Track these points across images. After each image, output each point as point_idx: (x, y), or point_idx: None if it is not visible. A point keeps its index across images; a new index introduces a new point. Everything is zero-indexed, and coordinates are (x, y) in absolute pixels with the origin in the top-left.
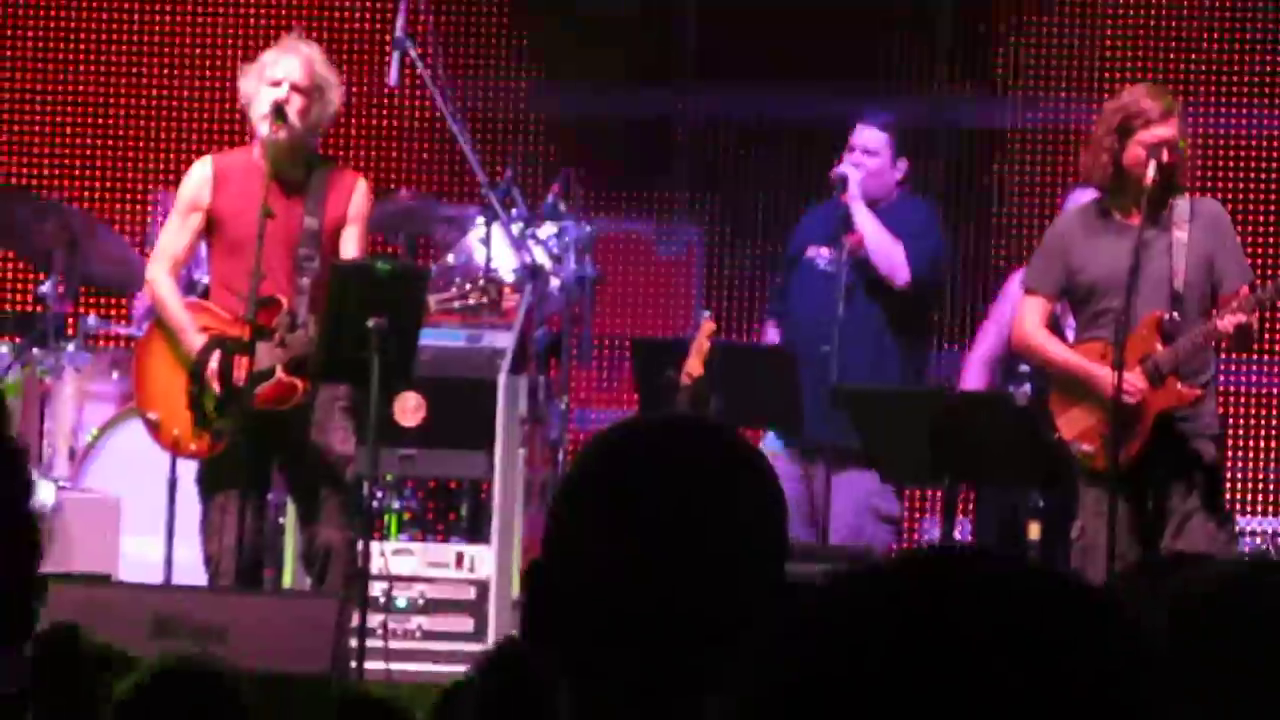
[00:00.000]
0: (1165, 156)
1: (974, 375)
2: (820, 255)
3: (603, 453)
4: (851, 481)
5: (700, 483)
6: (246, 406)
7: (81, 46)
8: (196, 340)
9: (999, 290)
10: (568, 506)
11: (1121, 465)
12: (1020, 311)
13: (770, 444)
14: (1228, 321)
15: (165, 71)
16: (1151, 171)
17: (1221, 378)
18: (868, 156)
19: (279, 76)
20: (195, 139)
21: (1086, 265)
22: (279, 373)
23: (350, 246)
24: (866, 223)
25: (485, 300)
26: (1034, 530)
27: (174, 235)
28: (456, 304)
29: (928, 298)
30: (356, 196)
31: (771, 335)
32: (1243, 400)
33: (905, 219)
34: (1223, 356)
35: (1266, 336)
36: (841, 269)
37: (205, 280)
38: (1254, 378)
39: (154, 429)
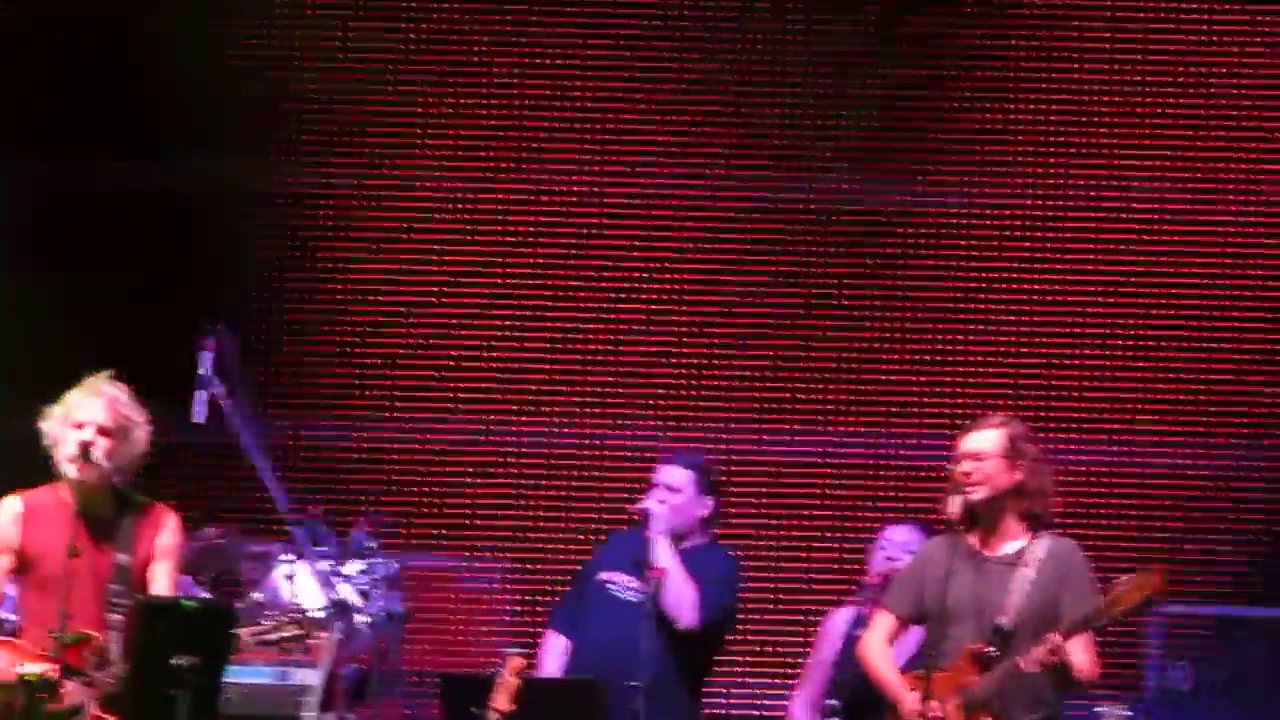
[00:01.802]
0: (962, 477)
1: (798, 716)
2: (616, 581)
3: None
4: None
5: None
6: None
7: None
8: (7, 668)
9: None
10: None
11: None
12: (872, 624)
13: None
14: (1030, 659)
15: None
16: (952, 505)
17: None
18: (670, 493)
19: (83, 419)
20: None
21: (930, 591)
22: (91, 709)
23: (160, 582)
24: (665, 559)
25: (300, 631)
26: None
27: None
28: (271, 635)
29: (712, 642)
30: (166, 532)
31: (555, 645)
32: None
33: (707, 565)
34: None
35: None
36: (647, 601)
37: (12, 619)
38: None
39: None
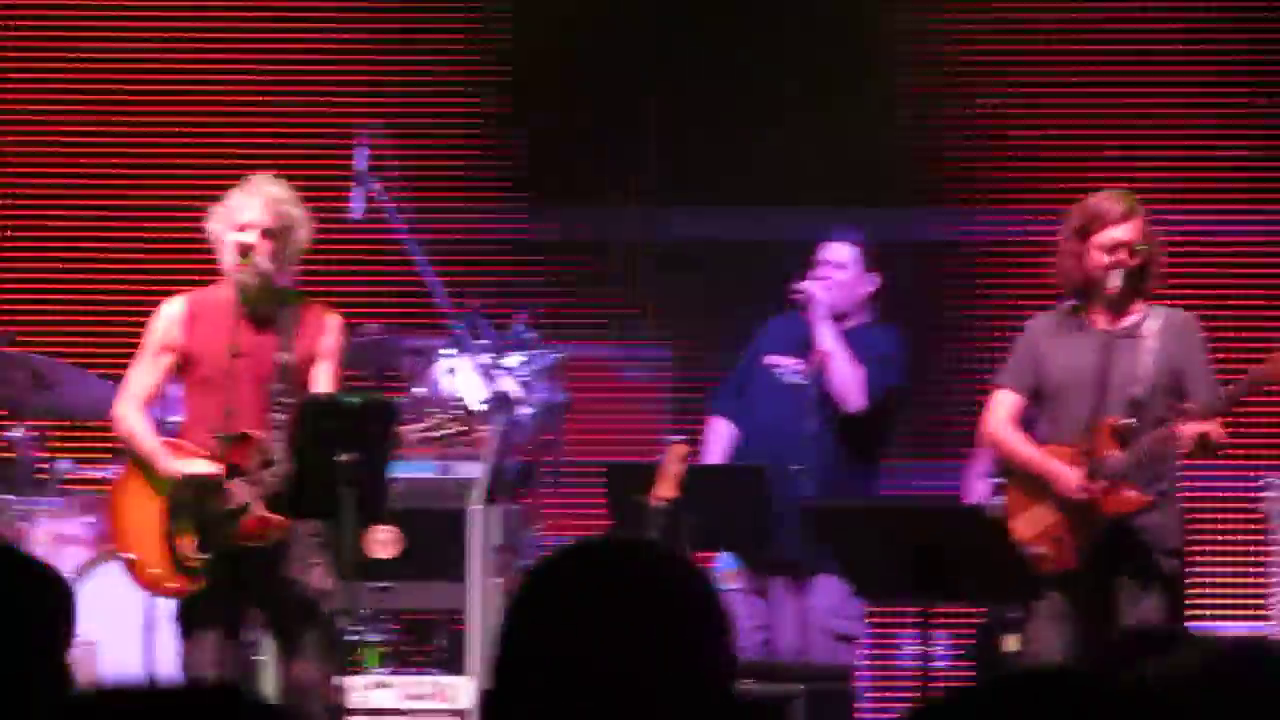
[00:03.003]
0: (1124, 259)
1: (974, 491)
2: (781, 365)
3: (544, 579)
4: (811, 601)
5: (641, 603)
6: (224, 543)
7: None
8: (173, 464)
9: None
10: (513, 632)
11: (1075, 568)
12: (989, 407)
13: (726, 562)
14: (1190, 428)
15: (137, 211)
16: (1114, 280)
17: (1189, 484)
18: (836, 270)
19: (245, 220)
20: (164, 280)
21: (1053, 367)
22: (256, 508)
23: (322, 382)
24: (828, 343)
25: (461, 428)
26: (1010, 643)
27: (143, 373)
28: (433, 434)
29: (881, 423)
30: (329, 332)
31: (720, 431)
32: (1209, 506)
33: (871, 344)
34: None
35: (1233, 441)
36: (811, 384)
37: (173, 420)
38: (1220, 484)
39: (132, 568)
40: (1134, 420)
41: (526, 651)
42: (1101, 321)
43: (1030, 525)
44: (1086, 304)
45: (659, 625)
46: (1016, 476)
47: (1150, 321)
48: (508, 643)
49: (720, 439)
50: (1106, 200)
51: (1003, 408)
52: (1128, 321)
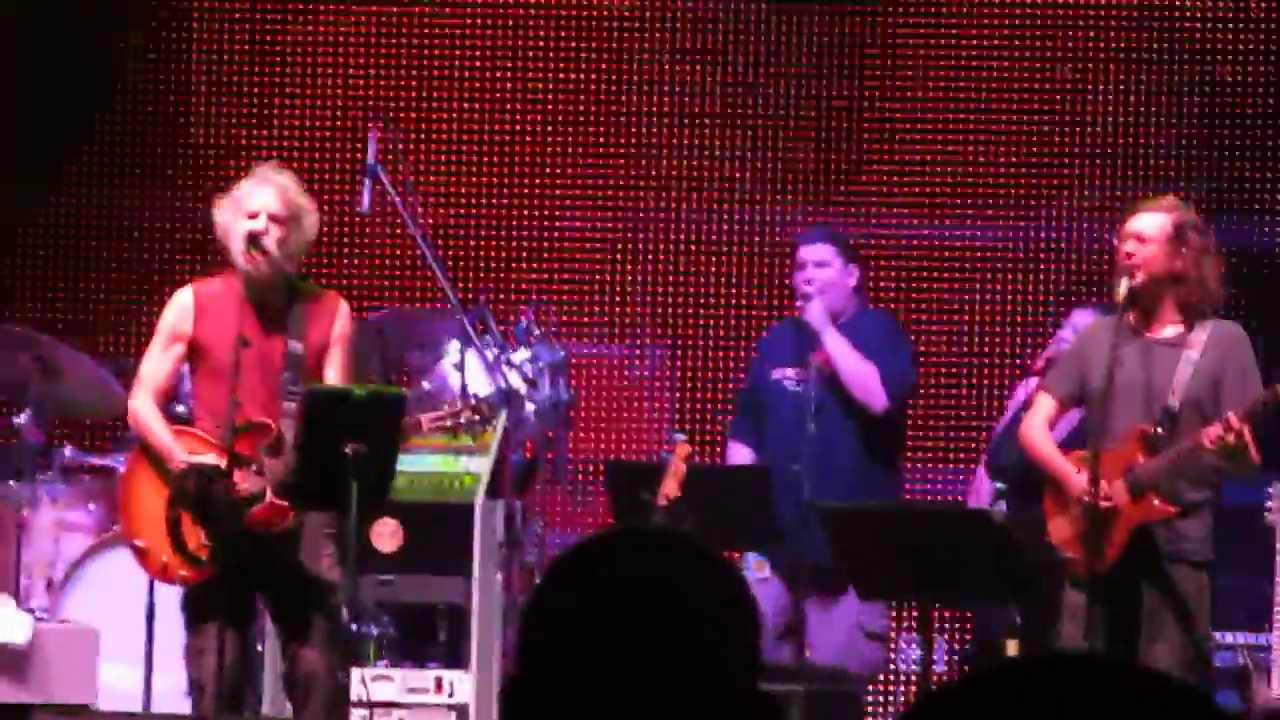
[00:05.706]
0: (1124, 257)
1: (983, 492)
2: (787, 376)
3: (569, 568)
4: (839, 601)
5: (667, 595)
6: (233, 532)
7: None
8: (183, 461)
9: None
10: (538, 622)
11: (1099, 573)
12: (1033, 406)
13: (756, 561)
14: (1211, 433)
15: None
16: (1122, 287)
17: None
18: (819, 269)
19: (255, 208)
20: (175, 267)
21: (1094, 374)
22: (269, 496)
23: (333, 371)
24: (839, 349)
25: (477, 418)
26: (1011, 647)
27: (155, 363)
28: (449, 422)
29: (901, 415)
30: (339, 321)
31: (739, 456)
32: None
33: (871, 335)
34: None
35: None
36: (809, 387)
37: (180, 409)
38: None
39: (141, 556)
40: (1163, 429)
41: (551, 641)
42: (1151, 330)
43: (1060, 530)
44: (1128, 310)
45: (686, 618)
46: (1048, 483)
47: (1196, 334)
48: (531, 632)
49: (742, 461)
50: (1145, 200)
51: (1040, 410)
52: (1168, 332)
